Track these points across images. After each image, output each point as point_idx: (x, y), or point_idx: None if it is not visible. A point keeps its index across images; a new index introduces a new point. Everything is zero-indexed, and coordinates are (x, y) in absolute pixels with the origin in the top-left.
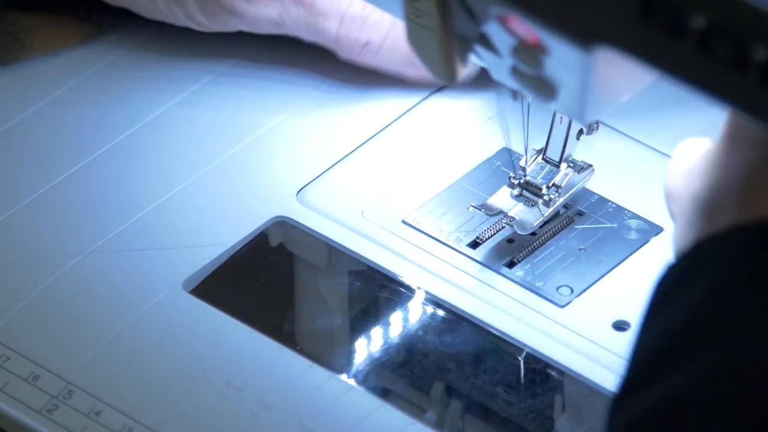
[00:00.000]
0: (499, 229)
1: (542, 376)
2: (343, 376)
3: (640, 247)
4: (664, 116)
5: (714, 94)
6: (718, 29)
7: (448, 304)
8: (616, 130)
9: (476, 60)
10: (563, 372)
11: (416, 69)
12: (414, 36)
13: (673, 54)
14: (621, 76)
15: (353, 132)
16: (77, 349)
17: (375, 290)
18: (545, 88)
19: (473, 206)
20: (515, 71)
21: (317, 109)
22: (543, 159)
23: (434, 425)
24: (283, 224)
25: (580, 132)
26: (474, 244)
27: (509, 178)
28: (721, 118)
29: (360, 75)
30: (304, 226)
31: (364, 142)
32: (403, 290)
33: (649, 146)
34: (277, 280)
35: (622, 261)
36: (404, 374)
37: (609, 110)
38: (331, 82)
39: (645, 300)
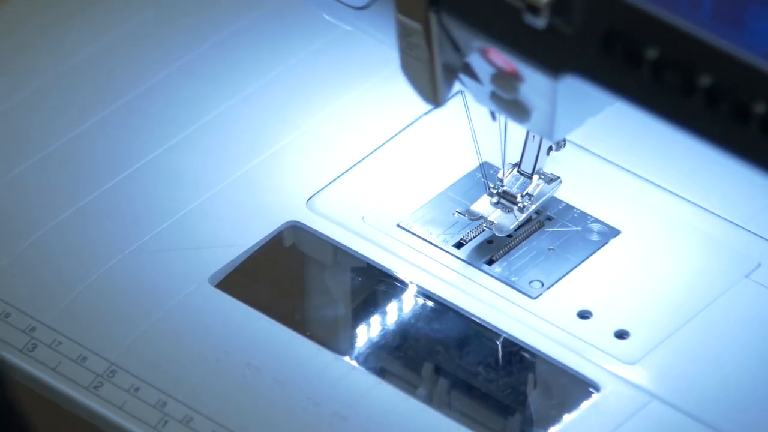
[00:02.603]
0: (481, 232)
1: (517, 358)
2: (347, 358)
3: (601, 247)
4: (622, 134)
5: (665, 117)
6: (669, 60)
7: (437, 296)
8: (581, 146)
9: (460, 86)
10: (535, 354)
11: None
12: (407, 66)
13: (630, 82)
14: (585, 100)
15: (355, 148)
16: (119, 334)
17: (374, 284)
18: (520, 111)
19: (458, 212)
20: (494, 96)
21: (324, 129)
22: (518, 171)
23: (425, 400)
24: (295, 228)
25: (550, 148)
26: (459, 245)
27: (489, 188)
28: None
29: (360, 101)
30: (313, 230)
31: (364, 157)
32: (398, 284)
33: (609, 160)
34: (289, 276)
35: (586, 259)
36: (399, 356)
37: (574, 130)
38: (334, 107)
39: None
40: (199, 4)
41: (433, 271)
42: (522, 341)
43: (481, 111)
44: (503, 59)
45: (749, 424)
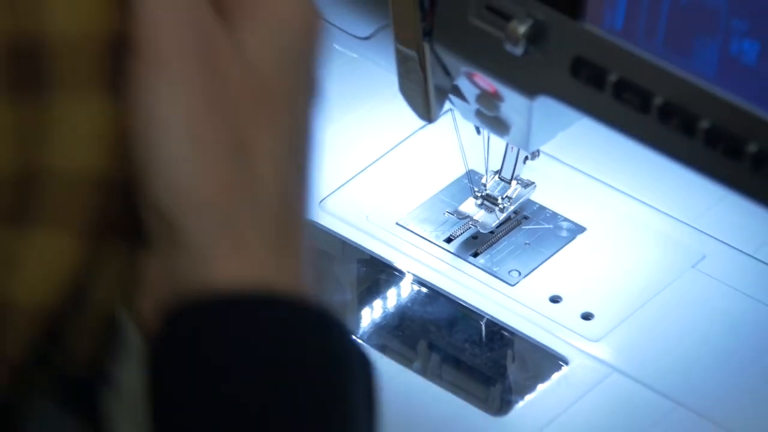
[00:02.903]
0: (467, 229)
1: (498, 336)
2: (353, 336)
3: (570, 242)
4: (588, 145)
5: (625, 131)
6: (627, 82)
7: (430, 283)
8: (552, 156)
9: (450, 105)
10: (513, 333)
11: None
12: (404, 88)
13: (594, 101)
14: (556, 117)
15: (360, 158)
16: None
17: (376, 274)
18: (500, 126)
19: (448, 212)
20: (479, 113)
21: (334, 141)
22: (499, 178)
23: (419, 372)
24: (309, 225)
25: (526, 158)
26: (448, 240)
27: (474, 192)
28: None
29: (364, 117)
30: (324, 227)
31: (368, 165)
32: (397, 273)
33: (577, 168)
34: None
35: (556, 252)
36: (397, 335)
37: (547, 142)
38: (342, 122)
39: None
40: None
41: (427, 263)
42: (502, 322)
43: (467, 126)
44: (486, 82)
45: (698, 392)
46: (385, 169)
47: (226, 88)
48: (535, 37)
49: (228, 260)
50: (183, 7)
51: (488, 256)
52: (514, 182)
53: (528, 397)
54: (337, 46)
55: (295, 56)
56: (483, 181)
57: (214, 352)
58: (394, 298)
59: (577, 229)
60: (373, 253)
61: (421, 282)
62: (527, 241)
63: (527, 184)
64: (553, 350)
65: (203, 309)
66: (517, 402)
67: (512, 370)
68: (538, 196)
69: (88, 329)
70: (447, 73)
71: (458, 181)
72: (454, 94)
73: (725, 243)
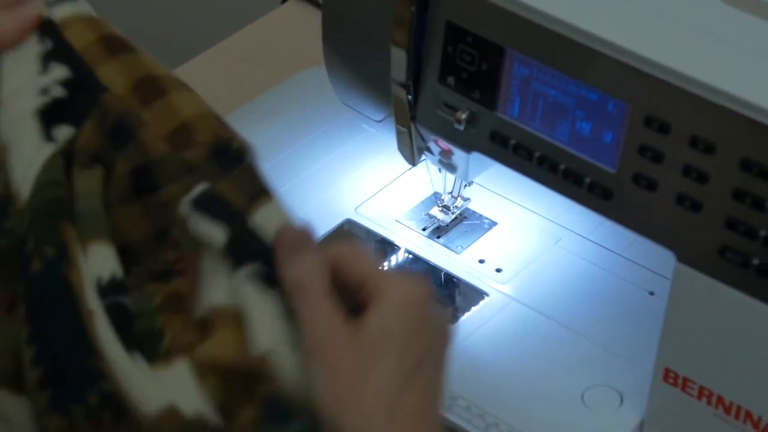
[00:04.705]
0: (434, 223)
1: (451, 282)
2: None
3: (489, 230)
4: (499, 177)
5: (519, 171)
6: (520, 144)
7: (413, 253)
8: (479, 184)
9: (425, 155)
10: (459, 279)
11: None
12: (400, 147)
13: (502, 154)
14: (482, 162)
15: (377, 185)
16: None
17: (385, 248)
18: (452, 168)
19: (425, 214)
20: (440, 160)
21: (362, 179)
22: (451, 195)
23: None
24: (350, 222)
25: (466, 185)
26: (423, 229)
27: (437, 203)
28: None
29: (378, 165)
30: (361, 225)
31: (380, 189)
32: (396, 247)
33: (492, 190)
34: None
35: (481, 236)
36: None
37: (478, 176)
38: (364, 168)
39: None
40: (290, 125)
41: (412, 241)
42: (452, 273)
43: (434, 167)
44: (444, 144)
45: (560, 310)
46: (390, 191)
47: (340, 359)
48: (471, 119)
49: None
50: (318, 321)
51: (446, 237)
52: (459, 198)
53: (466, 314)
54: (364, 125)
55: (404, 329)
56: (442, 197)
57: None
58: (393, 262)
59: (493, 223)
60: (384, 237)
61: (408, 252)
62: (466, 230)
63: (466, 199)
64: (480, 288)
65: None
66: (460, 316)
67: (458, 300)
68: (472, 206)
69: None
70: (423, 139)
71: (429, 197)
72: (427, 150)
73: (573, 231)
